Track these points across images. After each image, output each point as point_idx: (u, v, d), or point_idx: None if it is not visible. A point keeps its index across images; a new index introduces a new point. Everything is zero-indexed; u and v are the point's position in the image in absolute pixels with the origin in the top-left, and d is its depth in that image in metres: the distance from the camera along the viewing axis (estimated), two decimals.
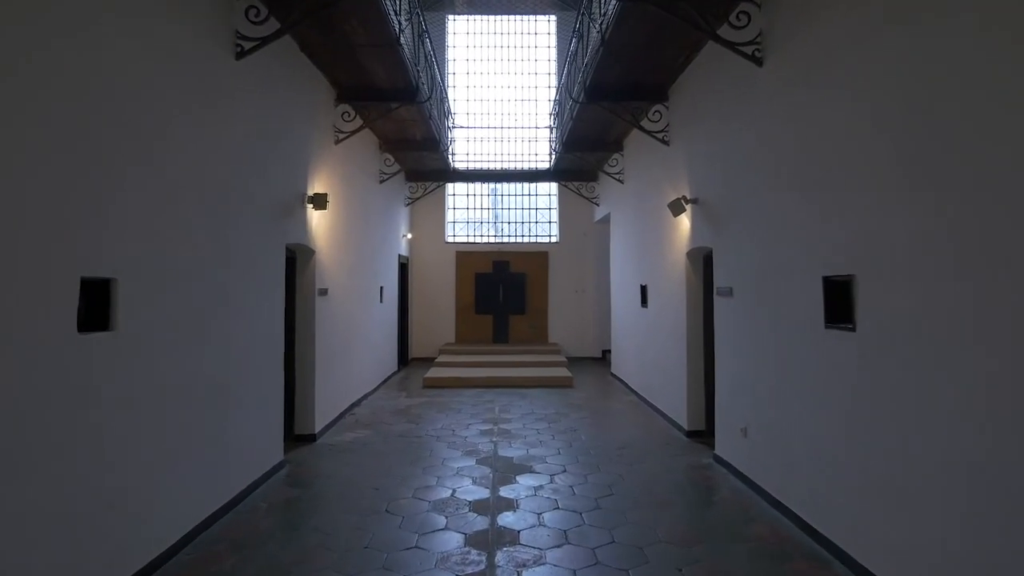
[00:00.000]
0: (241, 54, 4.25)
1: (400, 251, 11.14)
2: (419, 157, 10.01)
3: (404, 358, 11.72)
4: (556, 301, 12.76)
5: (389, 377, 10.01)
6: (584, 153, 9.53)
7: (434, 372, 9.73)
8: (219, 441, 4.05)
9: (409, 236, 11.88)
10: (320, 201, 5.69)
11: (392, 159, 9.47)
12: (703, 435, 6.08)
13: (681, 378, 6.31)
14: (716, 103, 5.32)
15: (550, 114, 11.70)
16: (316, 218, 6.06)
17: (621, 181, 9.36)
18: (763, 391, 4.36)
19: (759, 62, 4.32)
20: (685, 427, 6.20)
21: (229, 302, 4.20)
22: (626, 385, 9.13)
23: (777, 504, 4.08)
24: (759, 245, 4.43)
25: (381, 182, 9.25)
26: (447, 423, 6.83)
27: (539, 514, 4.07)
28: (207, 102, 3.90)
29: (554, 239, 12.94)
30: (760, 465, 4.41)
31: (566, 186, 12.12)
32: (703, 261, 6.16)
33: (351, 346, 7.54)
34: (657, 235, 7.33)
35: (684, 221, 6.20)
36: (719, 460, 5.19)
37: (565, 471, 5.03)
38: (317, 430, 6.13)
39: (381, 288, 9.46)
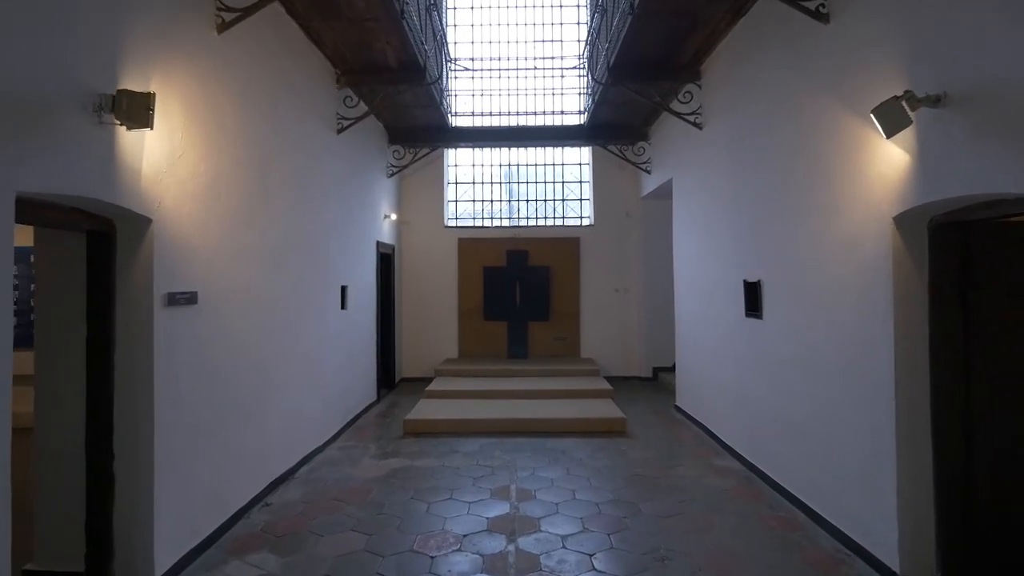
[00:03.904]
0: None
1: (380, 237, 8.14)
2: (399, 98, 6.96)
3: (390, 380, 8.73)
4: (590, 303, 9.66)
5: (362, 413, 7.03)
6: (641, 85, 6.40)
7: (421, 410, 6.70)
8: None
9: (394, 217, 8.86)
10: (136, 109, 2.66)
11: (355, 98, 6.43)
12: None
13: (881, 467, 3.20)
14: None
15: (584, 44, 8.58)
16: (152, 150, 3.05)
17: (698, 125, 6.22)
18: None
19: None
20: (895, 569, 3.08)
21: None
22: (709, 433, 6.01)
23: None
24: None
25: (340, 131, 6.23)
26: (425, 529, 3.80)
27: None
28: None
29: (587, 221, 9.83)
30: None
31: (605, 148, 9.00)
32: (928, 234, 3.04)
33: (269, 389, 4.54)
34: (791, 192, 4.21)
35: (888, 154, 3.08)
36: None
37: None
38: (162, 571, 3.14)
39: (343, 288, 6.46)
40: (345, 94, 6.29)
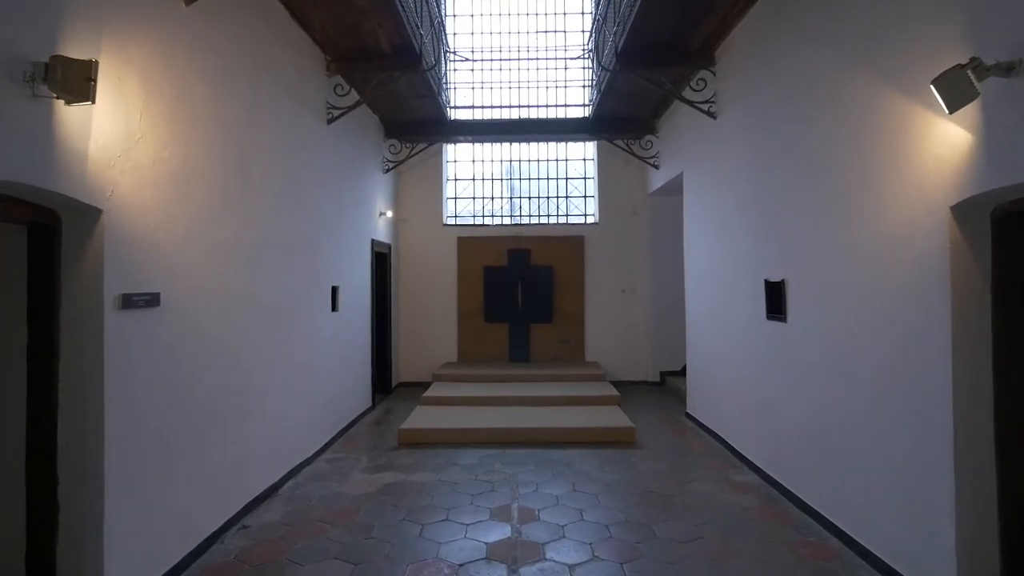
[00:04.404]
0: None
1: (376, 235, 7.76)
2: (393, 87, 6.58)
3: (386, 385, 8.36)
4: (595, 304, 9.27)
5: (355, 421, 6.64)
6: (651, 71, 6.01)
7: (417, 418, 6.32)
8: None
9: (390, 215, 8.49)
10: (73, 78, 2.27)
11: (346, 86, 6.06)
12: None
13: (934, 492, 2.80)
14: None
15: (589, 33, 8.22)
16: (102, 131, 2.67)
17: (712, 114, 5.83)
18: None
19: None
20: None
21: None
22: (724, 444, 5.61)
23: None
24: None
25: (331, 121, 5.85)
26: (417, 557, 3.40)
27: None
28: None
29: (592, 219, 9.44)
30: None
31: (611, 142, 8.61)
32: (991, 225, 2.65)
33: (250, 398, 4.15)
34: (822, 183, 3.81)
35: (945, 134, 2.69)
36: None
37: None
38: None
39: (335, 289, 6.08)
40: (336, 82, 5.91)
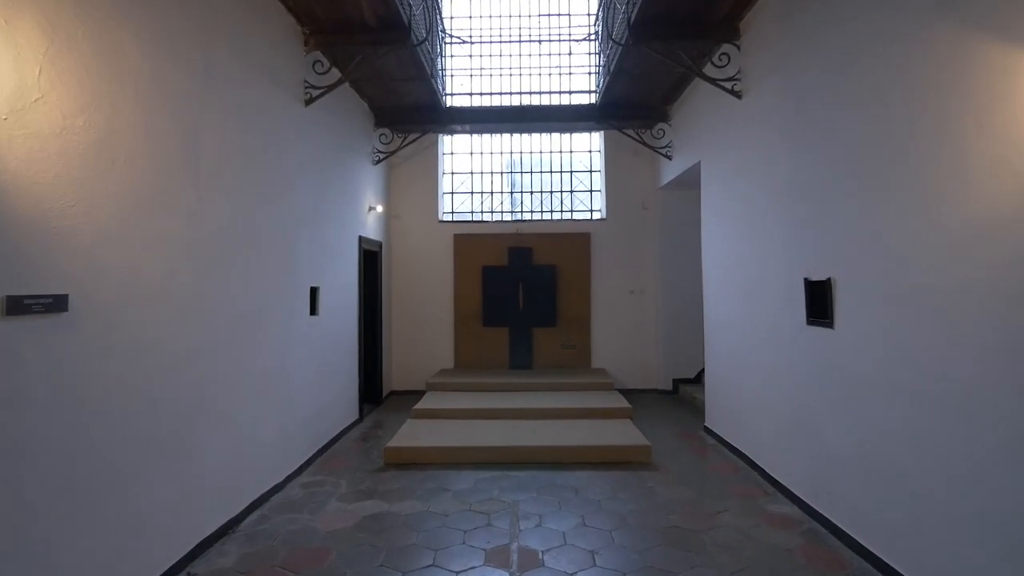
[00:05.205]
0: None
1: (364, 232, 7.13)
2: (380, 65, 5.93)
3: (376, 395, 7.71)
4: (602, 306, 8.62)
5: (338, 436, 6.00)
6: (667, 45, 5.36)
7: (407, 434, 5.67)
8: None
9: (380, 210, 7.85)
10: None
11: (326, 63, 5.43)
12: None
13: None
14: None
15: (597, 7, 7.59)
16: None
17: (737, 93, 5.19)
18: None
19: None
20: None
21: None
22: (751, 464, 4.96)
23: None
24: None
25: (309, 102, 5.22)
26: None
27: None
28: None
29: (598, 215, 8.79)
30: None
31: (620, 131, 7.97)
32: None
33: (204, 418, 3.51)
34: (884, 164, 3.16)
35: None
36: None
37: None
38: None
39: (314, 290, 5.45)
40: (315, 58, 5.28)
